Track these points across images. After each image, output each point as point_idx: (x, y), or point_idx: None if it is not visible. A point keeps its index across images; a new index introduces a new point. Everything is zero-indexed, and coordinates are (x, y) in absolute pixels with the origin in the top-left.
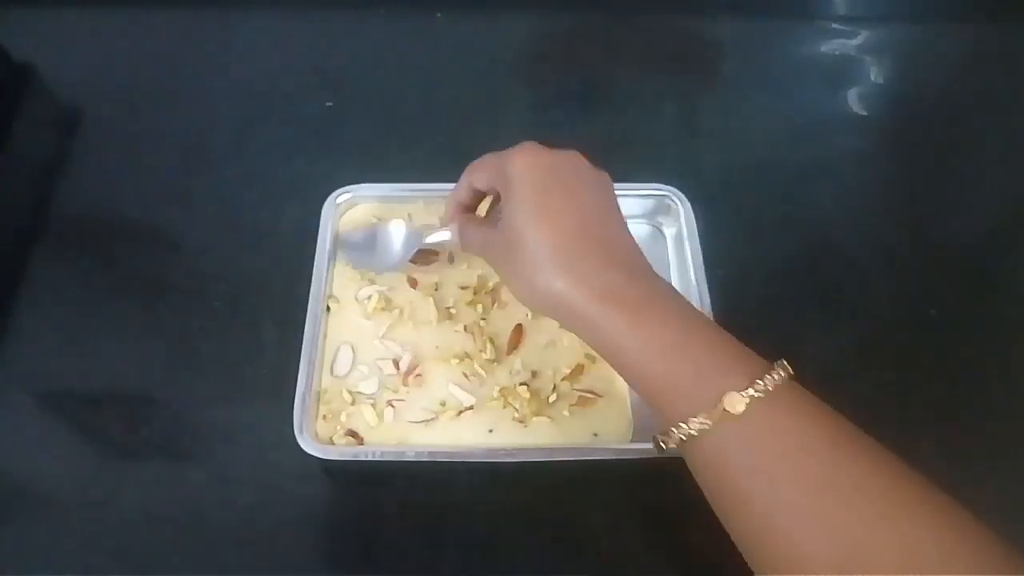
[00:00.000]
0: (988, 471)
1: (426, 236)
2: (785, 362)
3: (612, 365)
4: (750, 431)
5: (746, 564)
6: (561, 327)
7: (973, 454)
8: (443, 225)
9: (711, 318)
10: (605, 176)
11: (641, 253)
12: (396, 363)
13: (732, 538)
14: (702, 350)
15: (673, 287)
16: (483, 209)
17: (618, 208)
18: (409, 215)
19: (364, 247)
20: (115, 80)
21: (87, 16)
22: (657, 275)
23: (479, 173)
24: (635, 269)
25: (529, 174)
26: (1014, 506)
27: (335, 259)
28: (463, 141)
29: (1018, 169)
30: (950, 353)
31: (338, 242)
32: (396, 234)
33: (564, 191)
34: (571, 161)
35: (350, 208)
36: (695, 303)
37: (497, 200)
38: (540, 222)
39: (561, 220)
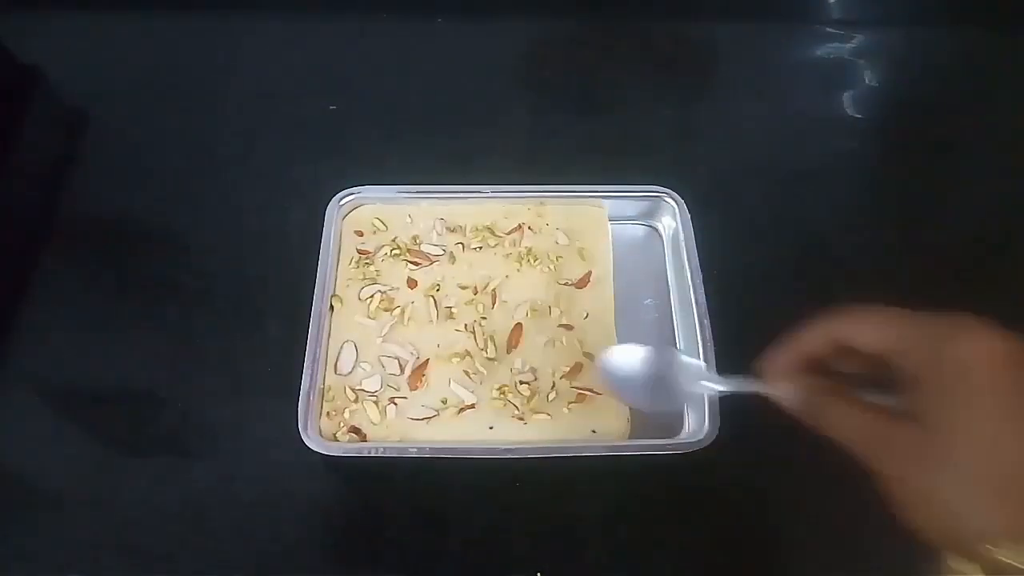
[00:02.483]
0: None
1: (722, 383)
2: None
3: None
4: None
5: (737, 557)
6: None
7: None
8: (770, 374)
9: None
10: None
11: None
12: (401, 366)
13: None
14: None
15: None
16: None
17: None
18: (410, 216)
19: (643, 386)
20: (121, 83)
21: (94, 19)
22: None
23: (870, 332)
24: None
25: (1002, 370)
26: None
27: (339, 259)
28: (464, 144)
29: (1010, 170)
30: None
31: (603, 372)
32: (684, 374)
33: None
34: None
35: (354, 209)
36: (691, 303)
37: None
38: (1016, 449)
39: None
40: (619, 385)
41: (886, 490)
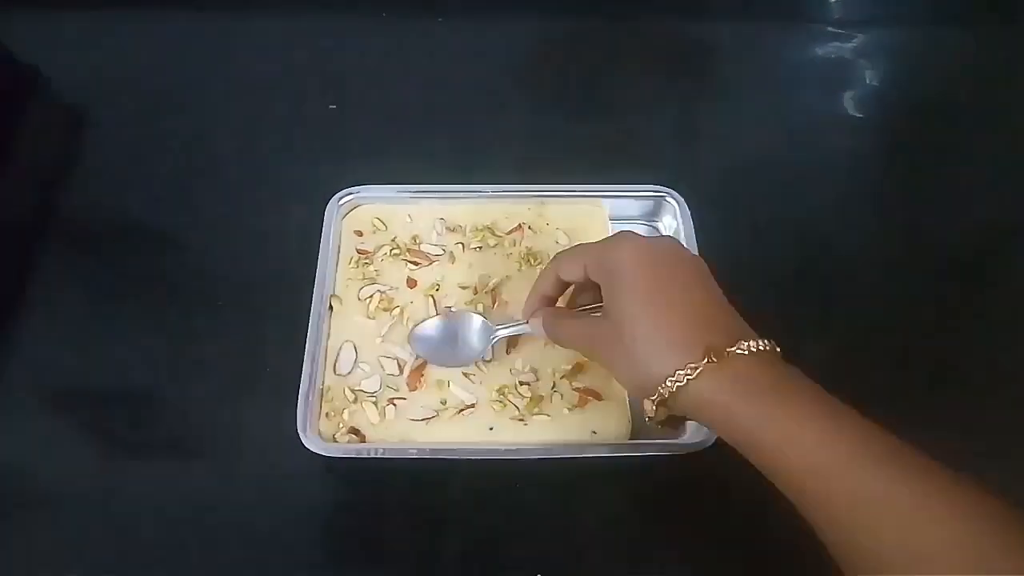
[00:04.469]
0: (983, 471)
1: (500, 328)
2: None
3: (746, 453)
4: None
5: (738, 560)
6: (670, 413)
7: (968, 455)
8: (525, 316)
9: None
10: (701, 261)
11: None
12: (400, 366)
13: None
14: (855, 443)
15: (792, 367)
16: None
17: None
18: (409, 216)
19: (440, 344)
20: (120, 83)
21: (93, 19)
22: (779, 358)
23: (568, 265)
24: (763, 356)
25: (638, 267)
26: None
27: (338, 259)
28: (464, 143)
29: (1012, 171)
30: (945, 354)
31: (411, 339)
32: (472, 328)
33: (673, 281)
34: (673, 249)
35: (353, 209)
36: None
37: (578, 291)
38: (656, 314)
39: (677, 310)
40: (428, 352)
41: (610, 374)
